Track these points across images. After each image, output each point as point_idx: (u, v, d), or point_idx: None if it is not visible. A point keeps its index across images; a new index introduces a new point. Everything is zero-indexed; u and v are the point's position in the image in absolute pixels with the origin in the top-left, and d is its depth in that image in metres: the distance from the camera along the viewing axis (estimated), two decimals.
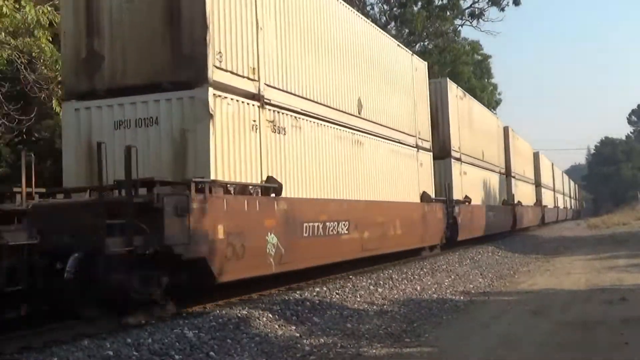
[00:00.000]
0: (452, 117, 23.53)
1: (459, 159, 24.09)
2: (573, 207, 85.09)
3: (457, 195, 23.13)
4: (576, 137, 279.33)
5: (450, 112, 23.41)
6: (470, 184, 25.35)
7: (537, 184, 48.35)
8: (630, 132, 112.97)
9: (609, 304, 10.43)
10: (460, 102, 25.13)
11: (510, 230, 34.23)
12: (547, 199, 53.89)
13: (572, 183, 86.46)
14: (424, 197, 19.77)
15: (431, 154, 21.00)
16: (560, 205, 66.72)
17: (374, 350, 7.53)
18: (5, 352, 6.94)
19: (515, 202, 35.92)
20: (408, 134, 18.80)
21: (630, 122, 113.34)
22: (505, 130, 36.17)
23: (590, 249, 24.24)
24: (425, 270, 16.13)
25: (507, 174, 34.99)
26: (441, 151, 22.41)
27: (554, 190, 60.19)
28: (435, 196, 20.79)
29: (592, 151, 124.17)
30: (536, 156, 49.59)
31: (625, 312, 9.61)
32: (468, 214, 24.10)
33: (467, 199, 24.31)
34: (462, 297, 12.11)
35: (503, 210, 31.95)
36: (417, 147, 19.58)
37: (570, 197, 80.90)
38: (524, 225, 38.86)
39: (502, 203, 32.23)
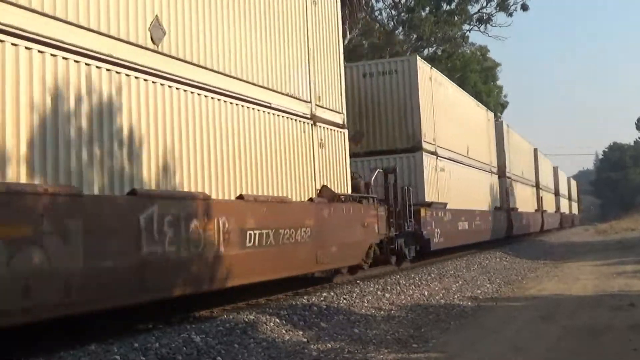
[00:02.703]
0: (506, 148, 32.76)
1: (510, 178, 32.93)
2: (580, 212, 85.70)
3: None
4: (584, 142, 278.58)
5: (505, 144, 32.70)
6: (517, 195, 34.53)
7: (556, 193, 53.88)
8: (639, 138, 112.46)
9: (617, 310, 10.36)
10: (510, 136, 34.72)
11: (539, 231, 42.29)
12: (564, 206, 60.23)
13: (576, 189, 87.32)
14: (492, 206, 28.06)
15: (497, 175, 29.81)
16: (575, 211, 73.82)
17: (382, 356, 7.49)
18: (12, 355, 6.95)
19: (543, 209, 43.99)
20: (486, 163, 27.63)
21: (638, 127, 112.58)
22: (535, 151, 44.34)
23: (598, 254, 24.15)
24: (432, 275, 16.09)
25: (536, 186, 42.96)
26: (499, 172, 30.65)
27: (569, 199, 66.23)
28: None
29: (600, 156, 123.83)
30: (555, 170, 55.57)
31: (634, 318, 9.55)
32: (518, 217, 33.76)
33: (515, 207, 33.28)
34: (470, 303, 12.07)
35: (536, 215, 41.28)
36: (491, 172, 28.58)
37: (577, 203, 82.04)
38: (547, 228, 45.78)
39: (534, 210, 41.55)
